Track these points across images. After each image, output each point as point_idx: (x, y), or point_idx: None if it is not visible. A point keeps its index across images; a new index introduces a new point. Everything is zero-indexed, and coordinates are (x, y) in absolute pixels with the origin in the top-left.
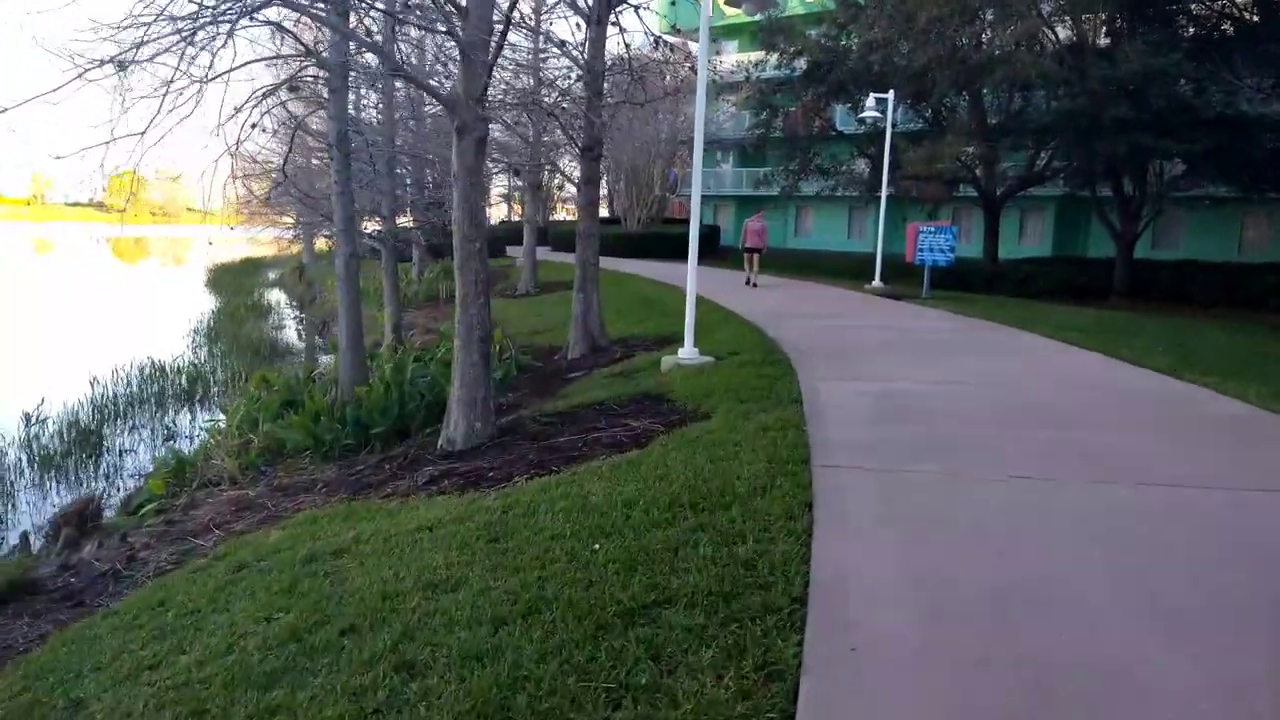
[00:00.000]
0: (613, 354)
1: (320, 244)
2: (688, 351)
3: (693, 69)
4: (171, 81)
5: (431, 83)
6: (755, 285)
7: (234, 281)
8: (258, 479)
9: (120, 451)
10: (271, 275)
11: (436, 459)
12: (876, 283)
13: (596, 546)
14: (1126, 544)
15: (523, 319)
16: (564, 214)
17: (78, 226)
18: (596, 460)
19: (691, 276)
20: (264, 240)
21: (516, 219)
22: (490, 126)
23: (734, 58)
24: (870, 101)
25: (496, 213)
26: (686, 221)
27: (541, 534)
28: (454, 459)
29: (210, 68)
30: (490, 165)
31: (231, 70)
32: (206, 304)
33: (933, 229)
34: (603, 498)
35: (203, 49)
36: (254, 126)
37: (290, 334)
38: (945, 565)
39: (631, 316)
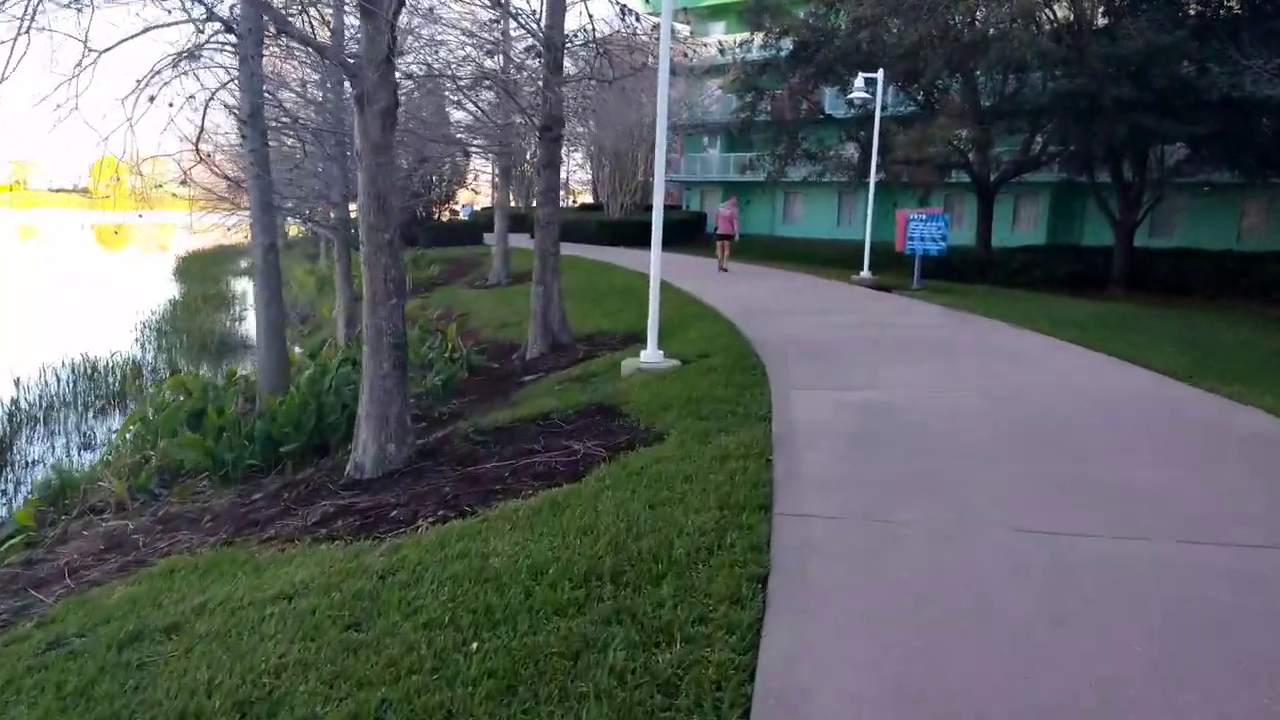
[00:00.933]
0: (575, 353)
1: (292, 229)
2: (651, 354)
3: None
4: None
5: (333, 49)
6: (726, 270)
7: (202, 270)
8: (146, 506)
9: (29, 463)
10: (244, 263)
11: (340, 489)
12: (865, 273)
13: (475, 646)
14: (1189, 641)
15: (489, 312)
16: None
17: (62, 213)
18: (519, 499)
19: (655, 269)
20: (236, 227)
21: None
22: (451, 103)
23: (720, 39)
24: (859, 82)
25: (480, 198)
26: (671, 208)
27: (415, 618)
28: (359, 490)
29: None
30: (472, 150)
31: (134, 36)
32: (168, 293)
33: (923, 217)
34: (506, 560)
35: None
36: (152, 100)
37: (250, 327)
38: (941, 683)
39: (605, 308)
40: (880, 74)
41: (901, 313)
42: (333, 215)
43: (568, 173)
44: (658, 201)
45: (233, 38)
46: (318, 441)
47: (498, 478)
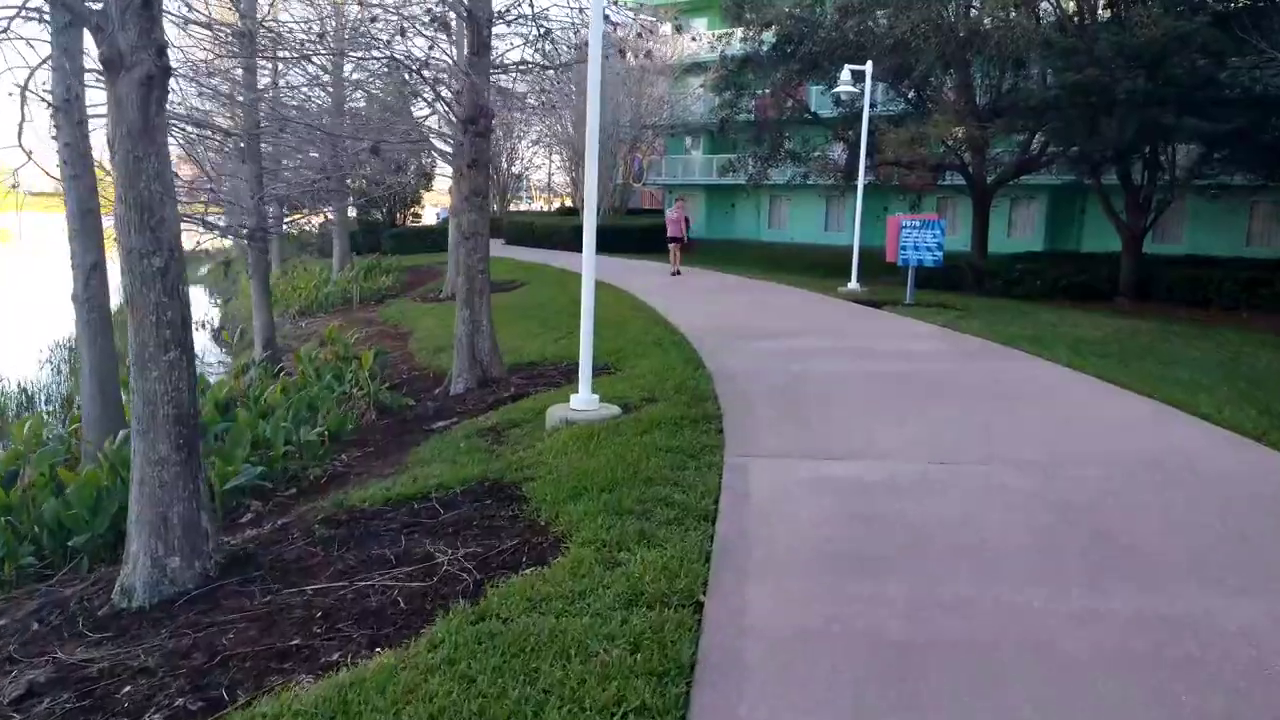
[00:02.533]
0: (505, 389)
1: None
2: (583, 399)
3: (639, 36)
4: None
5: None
6: (679, 274)
7: None
8: None
9: None
10: (202, 270)
11: (92, 625)
12: (852, 284)
13: None
14: None
15: (432, 332)
16: (541, 203)
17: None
18: (310, 675)
19: (588, 288)
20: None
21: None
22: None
23: (700, 33)
24: (845, 75)
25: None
26: (652, 212)
27: None
28: (116, 630)
29: None
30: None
31: None
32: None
33: (917, 223)
34: None
35: None
36: None
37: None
38: None
39: (557, 329)
40: (869, 66)
41: (895, 336)
42: (248, 223)
43: (549, 174)
44: (589, 209)
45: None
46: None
47: (308, 618)
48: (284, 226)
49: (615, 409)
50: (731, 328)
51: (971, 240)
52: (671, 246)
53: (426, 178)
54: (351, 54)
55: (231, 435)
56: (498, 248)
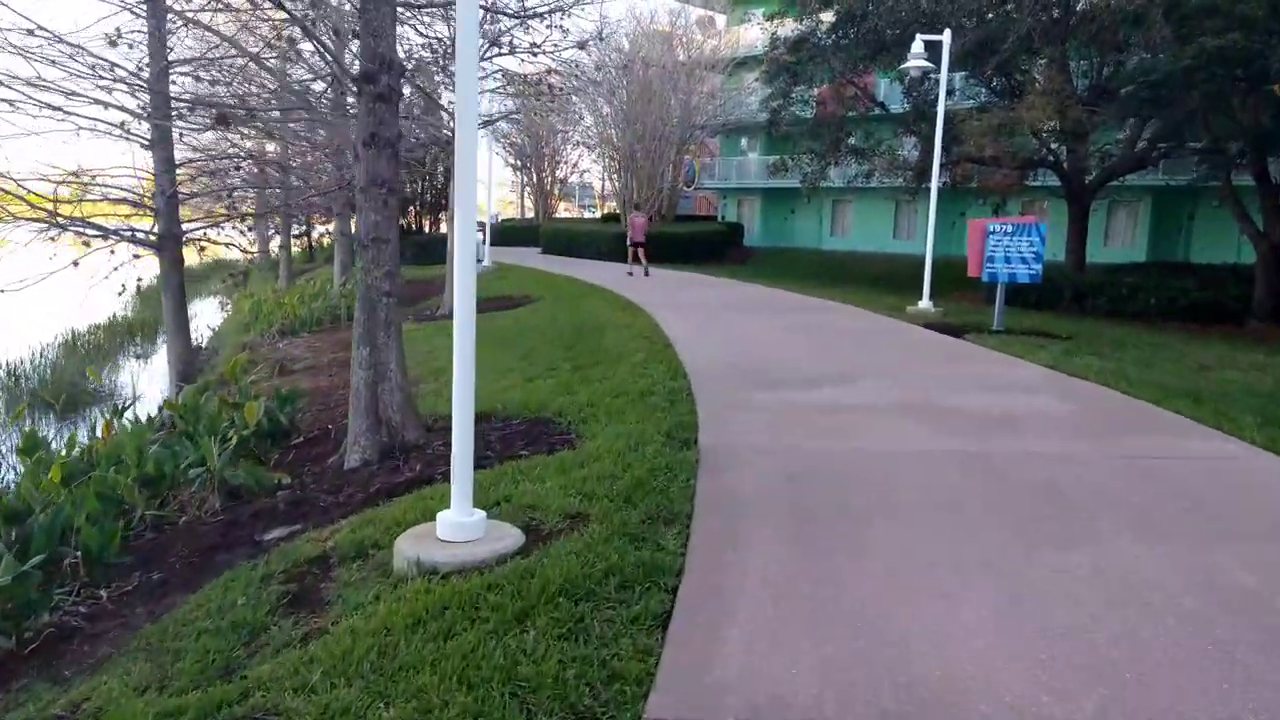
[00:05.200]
0: (418, 461)
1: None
2: (452, 522)
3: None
4: None
5: None
6: (648, 275)
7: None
8: None
9: None
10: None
11: None
12: (924, 303)
13: None
14: None
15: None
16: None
17: None
18: None
19: (461, 338)
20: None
21: (528, 215)
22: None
23: (754, 19)
24: (917, 47)
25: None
26: (702, 218)
27: None
28: None
29: None
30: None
31: None
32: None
33: (1009, 228)
34: None
35: None
36: None
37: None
38: None
39: (540, 363)
40: (947, 36)
41: (987, 385)
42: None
43: (603, 178)
44: (459, 217)
45: None
46: None
47: None
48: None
49: (510, 539)
50: (758, 367)
51: (1066, 250)
52: (635, 250)
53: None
54: None
55: None
56: (530, 256)
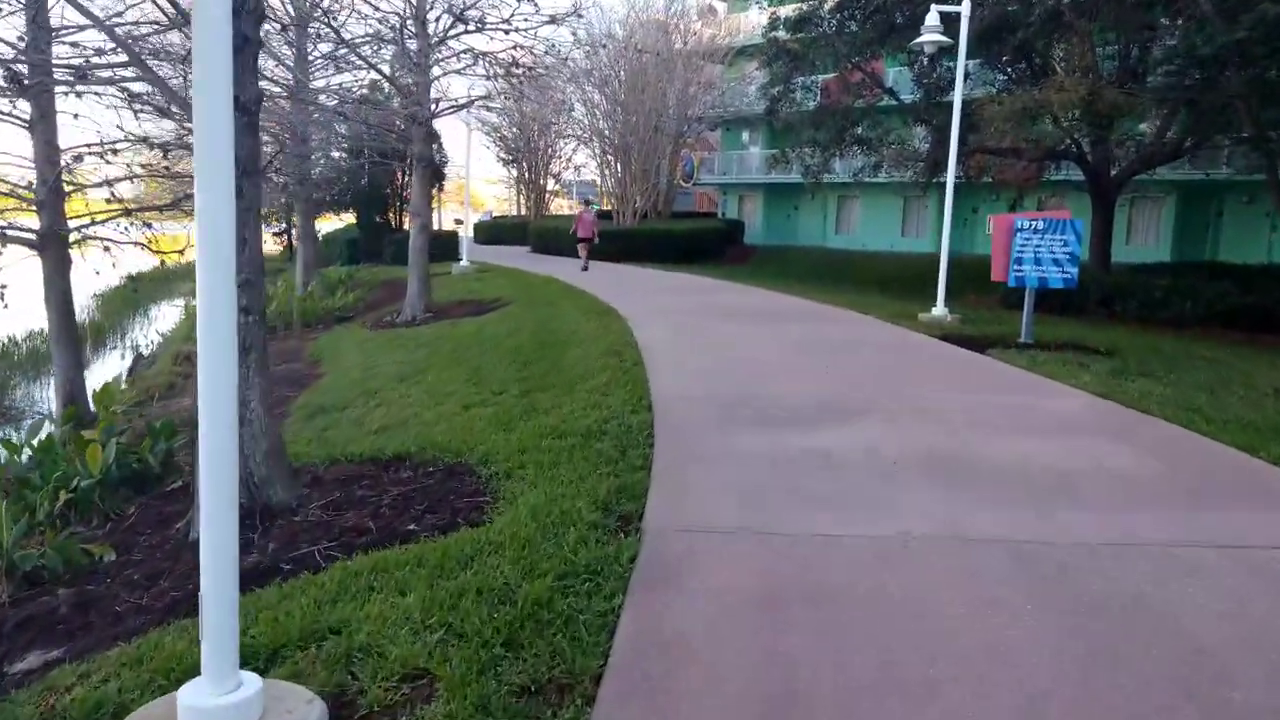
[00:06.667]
0: (281, 533)
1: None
2: (200, 706)
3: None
4: None
5: None
6: (587, 270)
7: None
8: None
9: None
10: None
11: None
12: (939, 309)
13: None
14: None
15: (347, 375)
16: (562, 206)
17: None
18: None
19: (209, 378)
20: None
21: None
22: None
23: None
24: (932, 18)
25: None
26: (700, 215)
27: None
28: None
29: None
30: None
31: None
32: None
33: (1039, 224)
34: None
35: None
36: None
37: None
38: None
39: (489, 384)
40: (966, 5)
41: (1032, 430)
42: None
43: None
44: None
45: None
46: None
47: None
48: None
49: None
50: (743, 395)
51: (1090, 249)
52: (582, 245)
53: (437, 176)
54: None
55: None
56: (519, 256)
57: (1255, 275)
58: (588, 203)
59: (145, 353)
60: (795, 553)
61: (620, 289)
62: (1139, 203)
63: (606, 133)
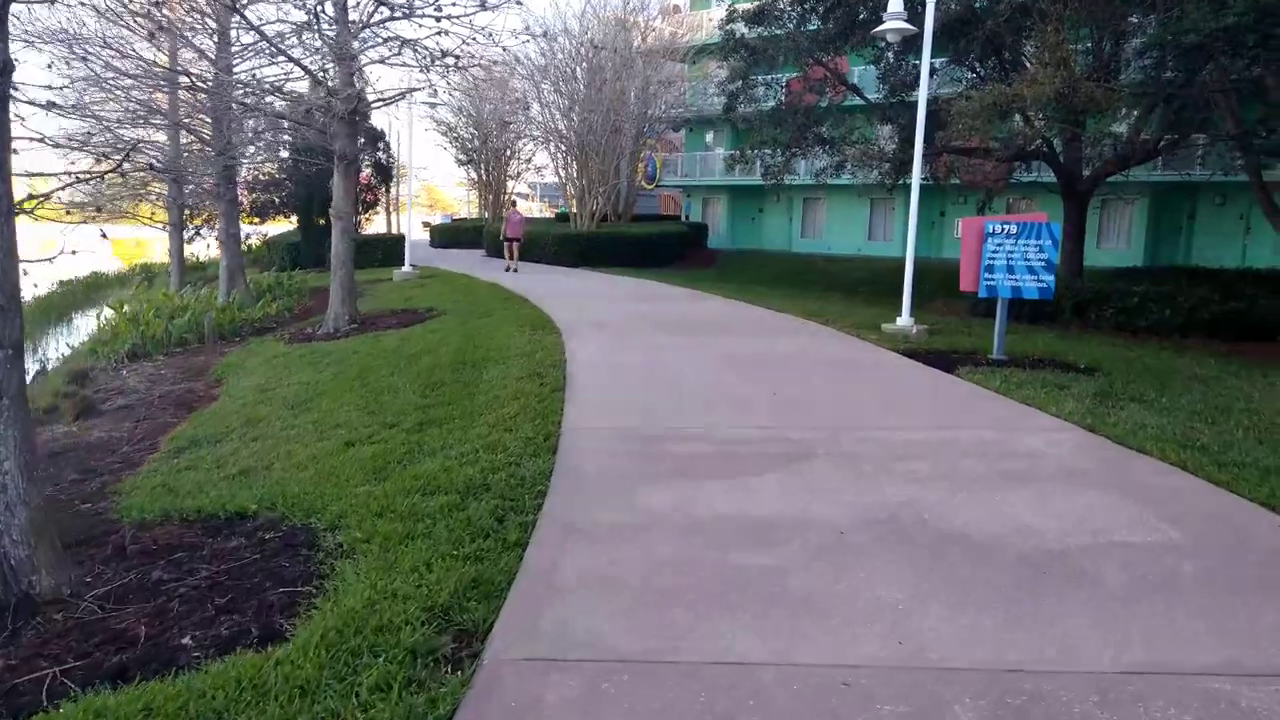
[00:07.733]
0: (42, 637)
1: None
2: None
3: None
4: None
5: None
6: (515, 270)
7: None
8: None
9: None
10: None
11: None
12: (904, 319)
13: None
14: None
15: (243, 400)
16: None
17: None
18: None
19: None
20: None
21: (473, 215)
22: None
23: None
24: (895, 4)
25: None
26: (664, 218)
27: None
28: None
29: None
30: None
31: None
32: None
33: (1012, 228)
34: None
35: None
36: None
37: None
38: None
39: (383, 416)
40: None
41: (1010, 479)
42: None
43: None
44: None
45: None
46: None
47: None
48: None
49: None
50: (669, 430)
51: (1063, 253)
52: (509, 245)
53: (385, 176)
54: None
55: None
56: (472, 261)
57: (1233, 280)
58: (514, 203)
59: (47, 368)
60: (693, 700)
61: (565, 297)
62: (1110, 205)
63: (564, 132)
